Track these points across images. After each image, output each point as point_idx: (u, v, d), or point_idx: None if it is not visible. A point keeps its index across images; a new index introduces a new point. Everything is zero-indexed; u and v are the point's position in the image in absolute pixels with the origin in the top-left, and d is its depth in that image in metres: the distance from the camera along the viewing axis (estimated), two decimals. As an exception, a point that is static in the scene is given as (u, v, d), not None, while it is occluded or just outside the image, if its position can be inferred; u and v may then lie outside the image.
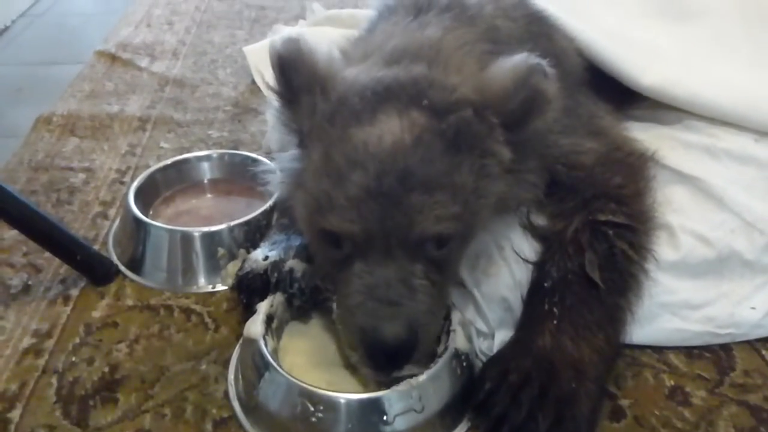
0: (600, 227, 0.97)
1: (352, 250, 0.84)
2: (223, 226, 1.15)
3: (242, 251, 1.14)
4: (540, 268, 0.98)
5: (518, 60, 0.84)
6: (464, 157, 0.82)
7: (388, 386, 0.85)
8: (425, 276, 0.84)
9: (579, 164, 1.01)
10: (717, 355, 1.01)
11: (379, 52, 0.94)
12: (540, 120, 0.86)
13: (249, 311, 0.98)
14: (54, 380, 0.97)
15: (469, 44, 0.95)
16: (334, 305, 0.92)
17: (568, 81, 1.06)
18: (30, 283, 1.16)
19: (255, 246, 1.11)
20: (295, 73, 0.86)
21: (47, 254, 1.17)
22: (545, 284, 0.96)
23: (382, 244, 0.81)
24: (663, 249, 1.01)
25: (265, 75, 1.78)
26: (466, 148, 0.82)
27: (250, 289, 1.01)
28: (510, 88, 0.83)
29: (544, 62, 0.84)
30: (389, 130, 0.81)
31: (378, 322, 0.81)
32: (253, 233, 1.16)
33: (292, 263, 0.99)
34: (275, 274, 0.99)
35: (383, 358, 0.84)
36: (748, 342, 1.03)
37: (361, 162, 0.80)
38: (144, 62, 1.99)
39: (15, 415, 0.91)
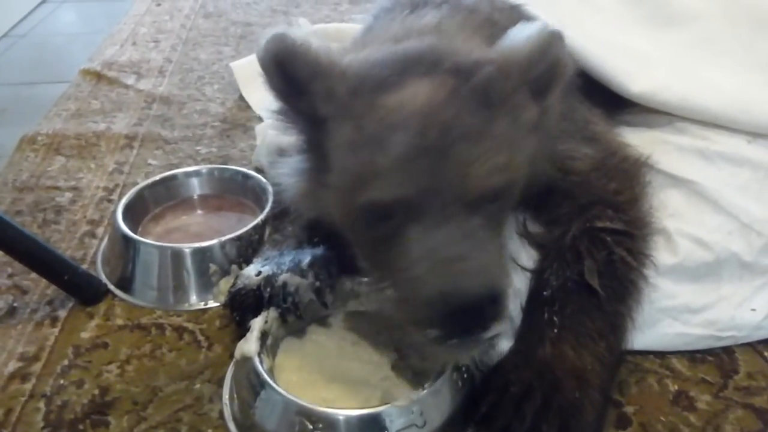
0: (598, 234, 0.96)
1: (403, 218, 0.78)
2: (214, 242, 1.13)
3: (234, 267, 1.12)
4: (538, 276, 0.97)
5: (539, 27, 0.83)
6: (497, 110, 0.80)
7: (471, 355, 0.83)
8: (486, 229, 0.78)
9: (575, 170, 1.00)
10: (720, 359, 1.00)
11: (381, 37, 0.92)
12: (559, 87, 0.86)
13: (242, 328, 0.96)
14: (42, 405, 0.94)
15: (470, 29, 0.95)
16: (387, 290, 0.83)
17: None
18: (16, 305, 1.13)
19: (247, 262, 1.09)
20: (297, 64, 0.83)
21: (33, 275, 1.14)
22: (544, 293, 0.94)
23: (437, 203, 0.76)
24: (661, 254, 1.00)
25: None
26: (498, 102, 0.80)
27: (242, 306, 0.99)
28: (535, 55, 0.82)
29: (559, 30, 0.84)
30: (421, 89, 0.78)
31: (456, 281, 0.73)
32: (246, 249, 1.14)
33: (285, 277, 0.96)
34: (268, 289, 0.97)
35: (470, 319, 0.74)
36: (750, 344, 1.02)
37: (401, 122, 0.77)
38: (130, 80, 1.97)
39: (2, 442, 0.89)
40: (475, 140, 0.77)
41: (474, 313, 0.74)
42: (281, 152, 1.25)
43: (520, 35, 0.85)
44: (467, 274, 0.74)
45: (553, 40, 0.83)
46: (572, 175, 1.00)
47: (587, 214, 0.98)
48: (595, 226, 0.97)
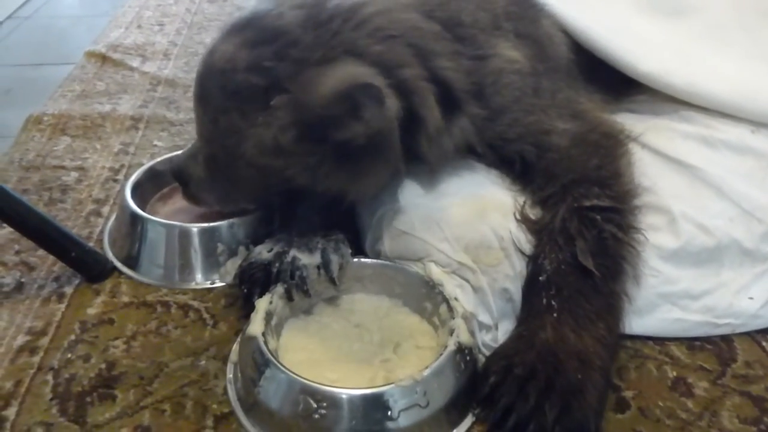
0: (587, 213, 0.97)
1: None
2: (223, 222, 1.13)
3: (242, 248, 1.13)
4: (534, 261, 0.98)
5: (349, 74, 0.81)
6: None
7: None
8: None
9: (552, 146, 1.00)
10: (718, 347, 1.01)
11: None
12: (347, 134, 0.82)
13: (249, 303, 0.97)
14: (50, 377, 0.95)
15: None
16: None
17: (548, 65, 1.06)
18: (23, 281, 1.13)
19: (255, 243, 1.09)
20: None
21: (40, 252, 1.15)
22: (540, 278, 0.95)
23: None
24: (664, 235, 1.01)
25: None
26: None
27: (252, 280, 0.99)
28: (326, 99, 0.81)
29: (382, 87, 0.81)
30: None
31: None
32: (254, 230, 1.14)
33: (294, 253, 0.97)
34: (277, 264, 0.98)
35: None
36: (749, 333, 1.03)
37: None
38: (135, 62, 1.98)
39: (11, 413, 0.89)
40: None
41: None
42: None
43: (331, 73, 0.82)
44: None
45: (351, 94, 0.79)
46: (551, 151, 0.99)
47: (573, 194, 0.98)
48: (583, 205, 0.97)
